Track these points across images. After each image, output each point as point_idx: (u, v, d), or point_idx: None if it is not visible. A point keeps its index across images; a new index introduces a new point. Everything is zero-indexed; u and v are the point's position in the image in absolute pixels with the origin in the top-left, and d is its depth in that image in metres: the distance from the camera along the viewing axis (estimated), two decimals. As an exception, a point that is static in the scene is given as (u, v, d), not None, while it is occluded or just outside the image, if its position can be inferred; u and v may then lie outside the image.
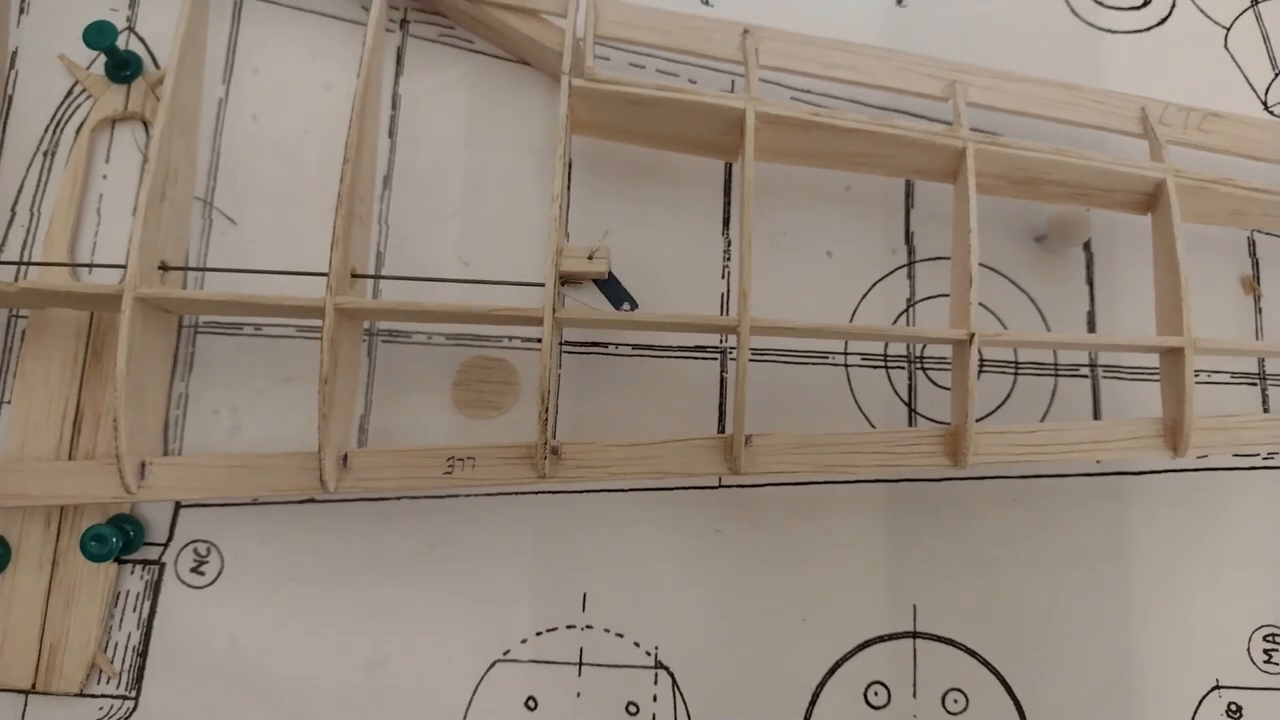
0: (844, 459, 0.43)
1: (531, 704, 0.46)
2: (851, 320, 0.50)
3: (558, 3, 0.48)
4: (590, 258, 0.44)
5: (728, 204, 0.51)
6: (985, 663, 0.47)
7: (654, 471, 0.43)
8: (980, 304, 0.50)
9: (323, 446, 0.41)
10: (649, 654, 0.47)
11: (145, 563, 0.47)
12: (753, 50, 0.47)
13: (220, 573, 0.47)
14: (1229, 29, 0.56)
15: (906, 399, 0.50)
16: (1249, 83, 0.55)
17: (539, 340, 0.42)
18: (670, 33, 0.48)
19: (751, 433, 0.43)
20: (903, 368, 0.50)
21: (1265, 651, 0.48)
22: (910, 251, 0.51)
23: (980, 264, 0.50)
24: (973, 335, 0.42)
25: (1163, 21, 0.56)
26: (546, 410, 0.42)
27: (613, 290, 0.44)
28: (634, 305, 0.45)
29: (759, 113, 0.45)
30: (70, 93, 0.50)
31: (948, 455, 0.43)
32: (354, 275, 0.46)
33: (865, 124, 0.45)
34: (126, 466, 0.42)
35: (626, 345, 0.49)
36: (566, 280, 0.45)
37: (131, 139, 0.50)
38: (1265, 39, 0.55)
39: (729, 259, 0.51)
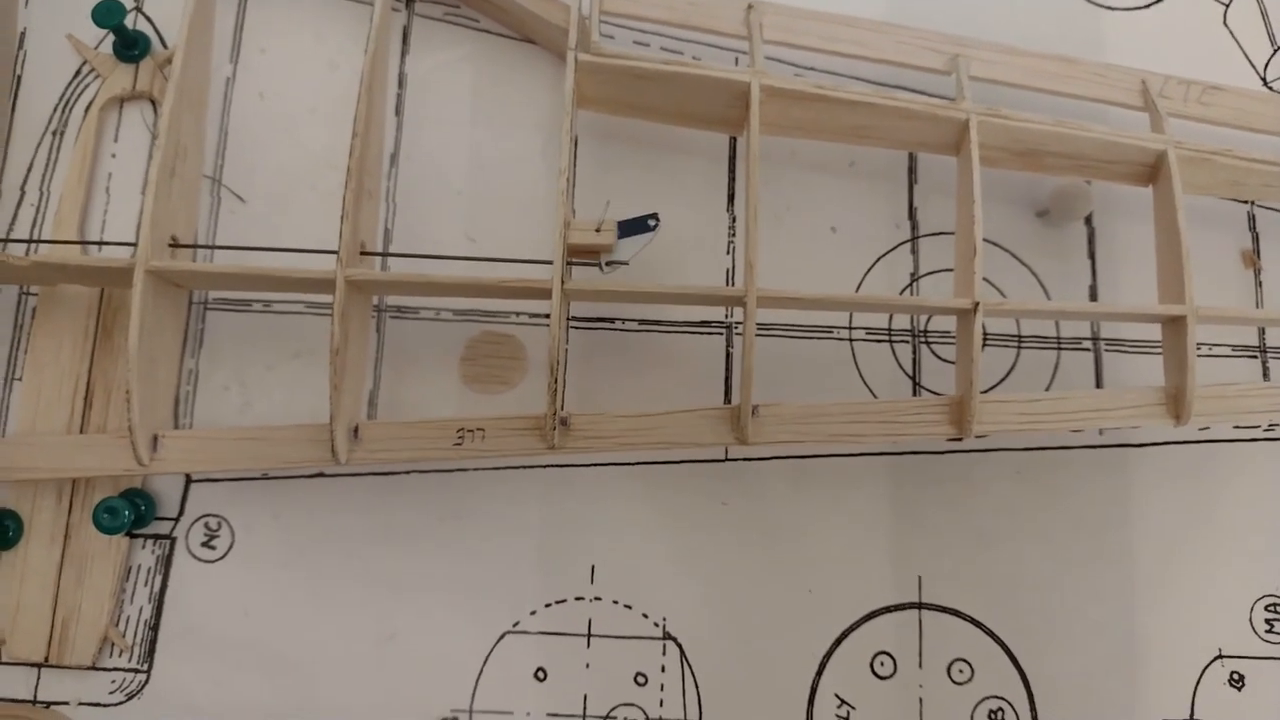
0: (849, 429, 0.44)
1: (541, 675, 0.46)
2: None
3: (563, -20, 0.48)
4: (598, 230, 0.44)
5: (732, 180, 0.52)
6: (990, 633, 0.48)
7: (662, 441, 0.43)
8: (984, 278, 0.50)
9: (334, 417, 0.42)
10: (657, 625, 0.47)
11: (157, 537, 0.47)
12: (757, 25, 0.48)
13: (231, 547, 0.47)
14: (1228, 5, 0.56)
15: (911, 372, 0.50)
16: (1248, 59, 0.55)
17: (546, 316, 0.42)
18: (675, 8, 0.48)
19: (758, 403, 0.44)
20: (907, 342, 0.50)
21: (1267, 621, 0.49)
22: (914, 227, 0.52)
23: (983, 239, 0.51)
24: (977, 304, 0.43)
25: (1163, -2, 0.56)
26: (555, 380, 0.42)
27: (629, 229, 0.44)
28: (656, 219, 0.44)
29: (764, 85, 0.45)
30: (79, 72, 0.51)
31: (952, 424, 0.43)
32: (363, 253, 0.46)
33: (869, 96, 0.46)
34: (139, 438, 0.42)
35: (633, 320, 0.50)
36: (575, 254, 0.45)
37: (140, 118, 0.51)
38: (1264, 15, 0.56)
39: (734, 234, 0.51)
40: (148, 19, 0.52)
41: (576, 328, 0.50)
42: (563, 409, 0.46)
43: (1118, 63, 0.51)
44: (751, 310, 0.42)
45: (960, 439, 0.48)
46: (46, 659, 0.45)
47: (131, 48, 0.50)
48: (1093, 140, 0.46)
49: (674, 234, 0.50)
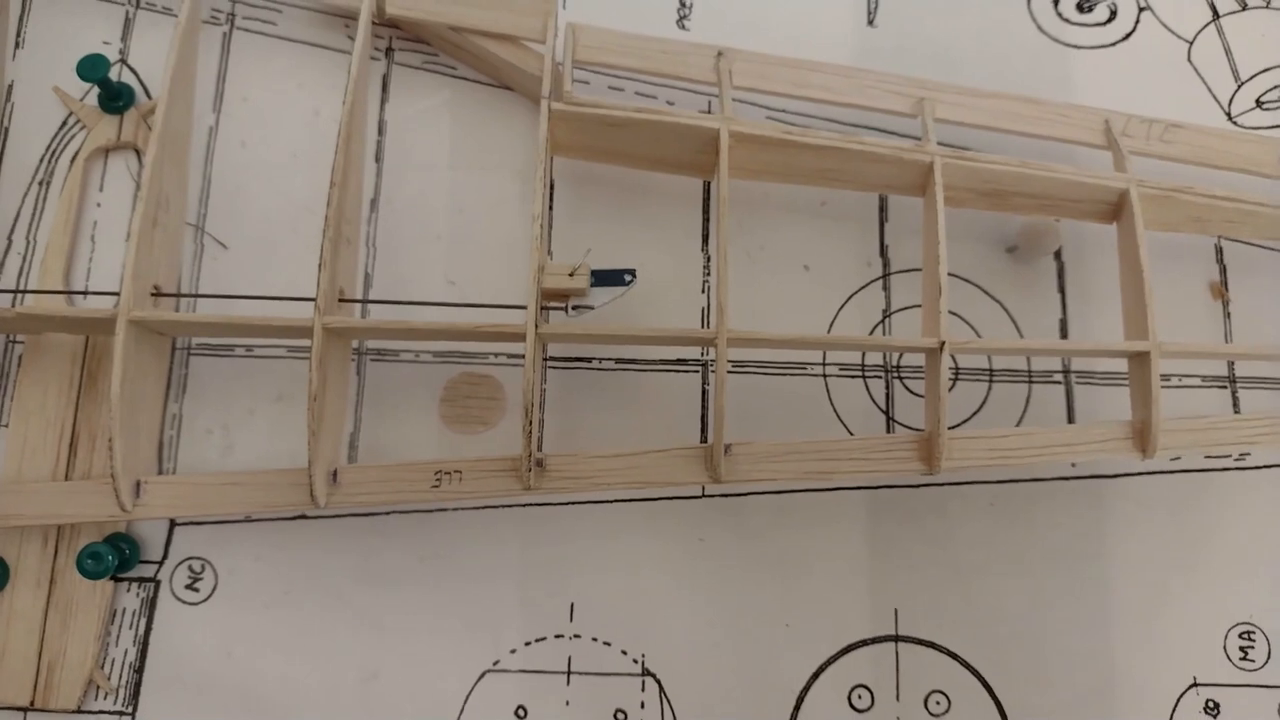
0: (822, 465, 0.44)
1: (521, 713, 0.47)
2: (829, 332, 0.51)
3: (537, 29, 0.49)
4: (571, 274, 0.45)
5: (707, 222, 0.53)
6: (967, 665, 0.48)
7: (637, 481, 0.44)
8: (954, 313, 0.52)
9: (313, 462, 0.43)
10: (636, 661, 0.48)
11: (141, 580, 0.48)
12: (726, 72, 0.49)
13: (215, 589, 0.48)
14: (1192, 43, 0.57)
15: (884, 408, 0.51)
16: (1213, 95, 0.56)
17: (524, 356, 0.43)
18: (646, 56, 0.49)
19: (731, 441, 0.44)
20: (880, 377, 0.51)
21: (1241, 649, 0.49)
22: (885, 264, 0.53)
23: (954, 275, 0.52)
24: (943, 343, 0.43)
25: (1127, 37, 0.57)
26: (530, 423, 0.43)
27: (604, 279, 0.45)
28: (633, 275, 0.45)
29: (732, 131, 0.46)
30: (65, 124, 0.52)
31: (922, 460, 0.44)
32: (342, 300, 0.47)
33: (836, 140, 0.47)
34: (122, 485, 0.43)
35: (610, 360, 0.51)
36: (550, 298, 0.46)
37: (125, 167, 0.52)
38: (1227, 52, 0.57)
39: (709, 274, 0.52)
40: (132, 71, 0.53)
41: (555, 367, 0.50)
42: (540, 449, 0.47)
43: (1085, 101, 0.52)
44: (723, 351, 0.43)
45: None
46: (32, 703, 0.45)
47: (116, 99, 0.51)
48: (1056, 180, 0.47)
49: (651, 274, 0.51)
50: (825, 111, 0.53)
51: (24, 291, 0.49)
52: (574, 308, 0.46)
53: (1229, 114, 0.56)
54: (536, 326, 0.43)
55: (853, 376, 0.51)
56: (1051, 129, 0.50)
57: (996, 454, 0.44)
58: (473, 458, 0.44)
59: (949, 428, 0.44)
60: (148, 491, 0.44)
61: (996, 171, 0.47)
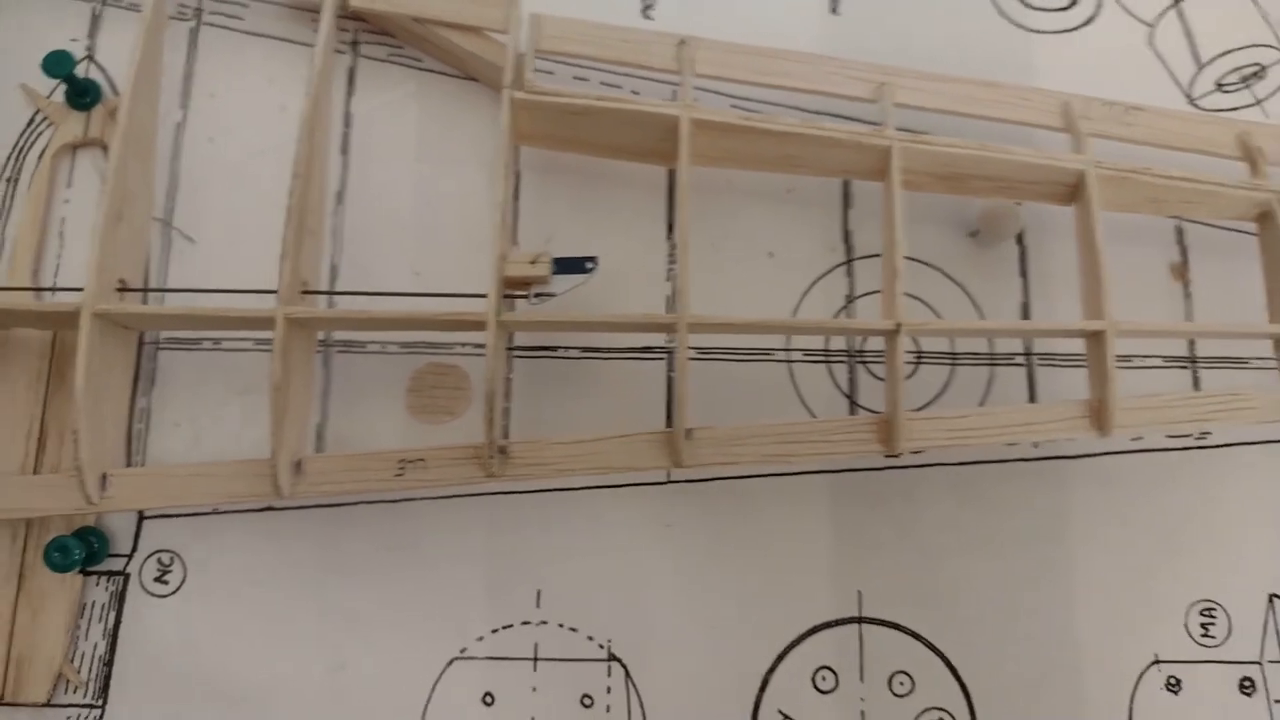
0: (783, 448, 0.45)
1: (489, 699, 0.47)
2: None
3: (499, 20, 0.50)
4: (533, 262, 0.45)
5: (671, 210, 0.53)
6: (930, 645, 0.49)
7: (599, 467, 0.44)
8: (917, 298, 0.52)
9: (276, 452, 0.43)
10: (602, 647, 0.48)
11: (110, 574, 0.48)
12: (688, 60, 0.49)
13: (183, 581, 0.48)
14: (1153, 27, 0.58)
15: (848, 392, 0.51)
16: (1174, 78, 0.57)
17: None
18: (608, 45, 0.50)
19: (693, 426, 0.45)
20: (844, 362, 0.52)
21: (1202, 625, 0.50)
22: (849, 250, 0.53)
23: (917, 260, 0.52)
24: (899, 325, 0.44)
25: (1089, 21, 0.57)
26: (493, 410, 0.43)
27: (566, 267, 0.46)
28: (594, 262, 0.46)
29: (693, 118, 0.47)
30: (32, 121, 0.52)
31: (881, 441, 0.45)
32: (306, 291, 0.47)
33: (795, 127, 0.47)
34: (88, 478, 0.43)
35: (575, 348, 0.51)
36: (512, 286, 0.46)
37: (92, 164, 0.52)
38: (1188, 35, 0.57)
39: (673, 262, 0.52)
40: (100, 68, 0.53)
41: (520, 357, 0.51)
42: (505, 437, 0.47)
43: (1048, 85, 0.52)
44: (683, 336, 0.44)
45: (897, 456, 0.50)
46: (1, 697, 0.46)
47: (83, 96, 0.52)
48: (1013, 162, 0.47)
49: (617, 263, 0.51)
50: (791, 100, 0.53)
51: (-8, 287, 0.49)
52: (537, 295, 0.46)
53: (1190, 97, 0.57)
54: (498, 313, 0.43)
55: (817, 362, 0.51)
56: (1011, 112, 0.50)
57: (955, 434, 0.45)
58: (436, 446, 0.45)
59: (914, 410, 0.44)
60: (114, 484, 0.44)
61: (954, 155, 0.47)
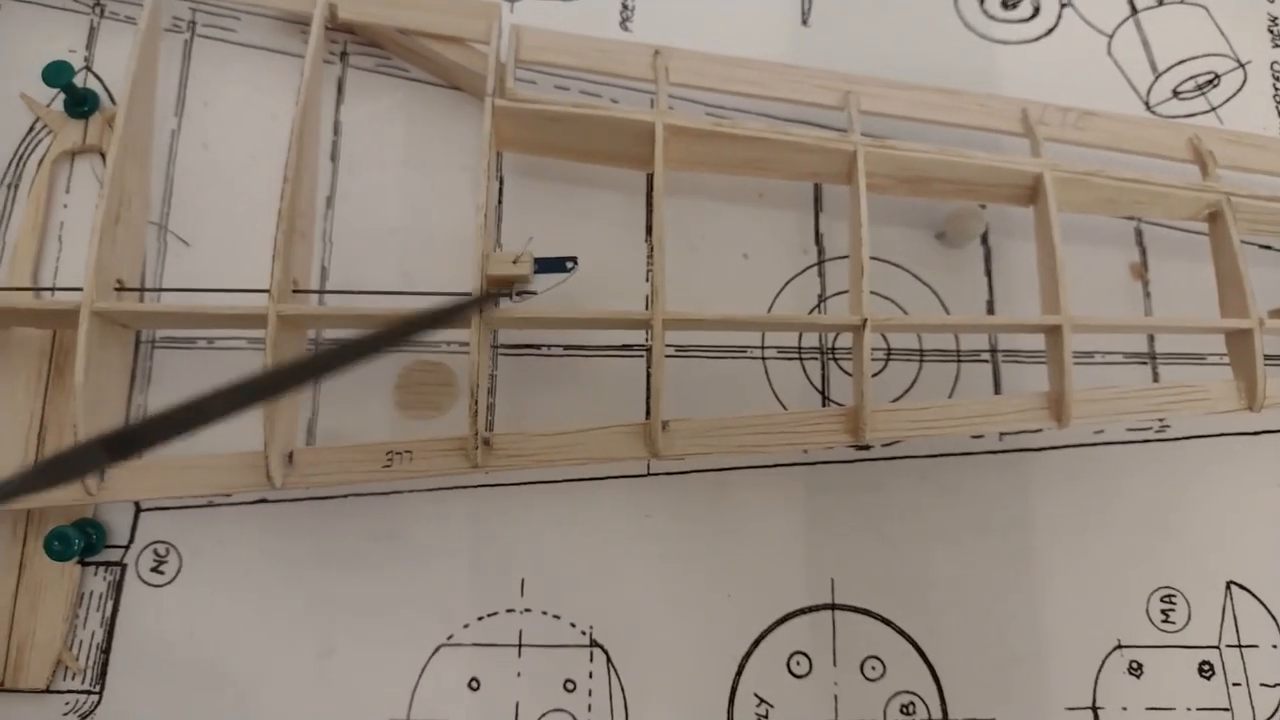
0: (755, 439, 0.47)
1: (474, 685, 0.49)
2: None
3: (481, 31, 0.52)
4: (515, 261, 0.47)
5: (649, 212, 0.55)
6: (901, 631, 0.50)
7: (579, 457, 0.46)
8: (887, 297, 0.54)
9: (269, 443, 0.45)
10: (584, 633, 0.50)
11: (108, 564, 0.49)
12: (663, 69, 0.51)
13: (179, 571, 0.50)
14: (1111, 37, 0.60)
15: (820, 387, 0.53)
16: (1132, 86, 0.59)
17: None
18: (586, 56, 0.52)
19: (669, 419, 0.46)
20: (816, 359, 0.54)
21: (1163, 611, 0.51)
22: (820, 251, 0.55)
23: (886, 260, 0.55)
24: (865, 320, 0.46)
25: (1050, 32, 0.60)
26: (477, 403, 0.45)
27: (547, 266, 0.48)
28: (574, 261, 0.48)
29: (667, 125, 0.49)
30: (32, 129, 0.54)
31: (848, 432, 0.46)
32: (298, 290, 0.49)
33: (764, 132, 0.49)
34: (85, 470, 0.45)
35: (558, 346, 0.53)
36: (495, 284, 0.48)
37: (90, 170, 0.54)
38: (1145, 45, 0.60)
39: (652, 263, 0.54)
40: (97, 78, 0.55)
41: (505, 355, 0.53)
42: (490, 431, 0.49)
43: (1011, 94, 0.55)
44: (659, 332, 0.46)
45: (868, 448, 0.52)
46: (2, 683, 0.47)
47: (81, 104, 0.54)
48: (973, 166, 0.49)
49: (598, 264, 0.53)
50: (765, 108, 0.56)
51: (-7, 288, 0.51)
52: (519, 294, 0.48)
53: (1147, 104, 0.59)
54: (481, 310, 0.45)
55: (790, 358, 0.53)
56: (972, 118, 0.52)
57: (919, 425, 0.47)
58: (423, 438, 0.46)
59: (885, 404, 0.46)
60: (111, 476, 0.46)
61: (916, 159, 0.49)
